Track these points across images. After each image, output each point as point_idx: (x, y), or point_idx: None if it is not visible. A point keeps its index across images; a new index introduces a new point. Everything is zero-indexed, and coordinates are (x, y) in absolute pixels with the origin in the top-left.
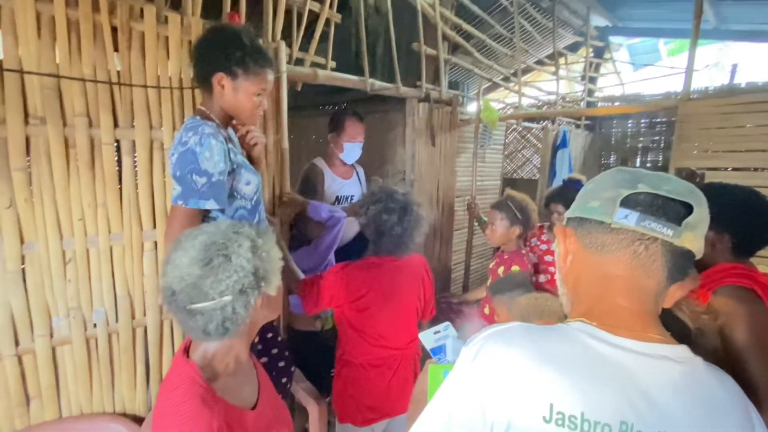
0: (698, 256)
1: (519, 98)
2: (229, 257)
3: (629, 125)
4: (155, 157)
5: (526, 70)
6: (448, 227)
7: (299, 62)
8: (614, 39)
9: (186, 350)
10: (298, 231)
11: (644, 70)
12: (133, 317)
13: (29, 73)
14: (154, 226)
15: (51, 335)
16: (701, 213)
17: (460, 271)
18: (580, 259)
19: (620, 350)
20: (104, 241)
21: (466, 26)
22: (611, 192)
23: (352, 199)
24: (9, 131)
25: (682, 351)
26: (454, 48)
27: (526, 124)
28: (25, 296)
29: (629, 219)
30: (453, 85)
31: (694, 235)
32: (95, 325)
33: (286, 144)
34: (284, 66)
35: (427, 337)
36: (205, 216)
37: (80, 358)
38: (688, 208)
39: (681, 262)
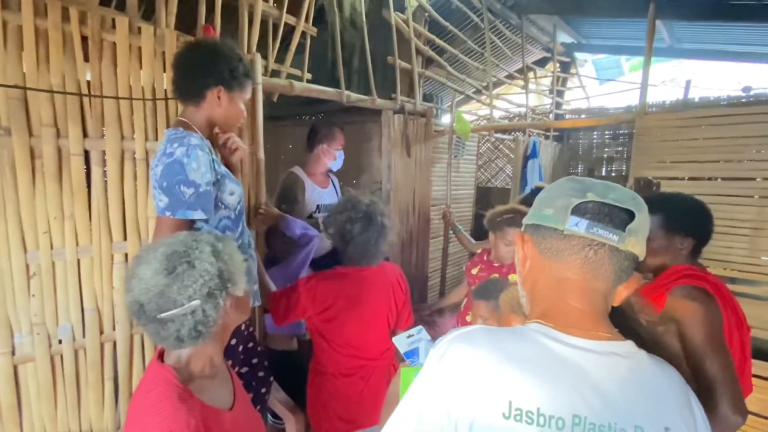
0: (641, 258)
1: (491, 110)
2: (193, 263)
3: (595, 136)
4: (126, 167)
5: (497, 84)
6: (424, 236)
7: (275, 74)
8: (580, 55)
9: (160, 357)
10: (269, 249)
11: (608, 85)
12: (101, 332)
13: None
14: (125, 238)
15: (13, 353)
16: (642, 219)
17: (437, 278)
18: (537, 263)
19: (573, 348)
20: (71, 254)
21: (438, 41)
22: (563, 200)
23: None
24: None
25: (628, 346)
26: (428, 62)
27: (498, 135)
28: None
29: (579, 226)
30: (427, 97)
31: (636, 240)
32: (60, 341)
33: (261, 154)
34: (260, 77)
35: (401, 341)
36: (189, 227)
37: (44, 376)
38: (631, 215)
39: (626, 265)
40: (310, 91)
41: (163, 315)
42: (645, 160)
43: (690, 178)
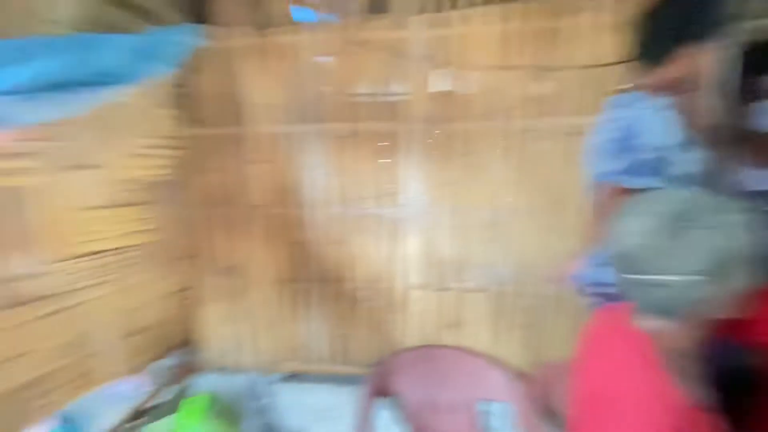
0: None
1: None
2: (710, 232)
3: None
4: (563, 141)
5: None
6: None
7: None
8: None
9: (634, 321)
10: None
11: None
12: (531, 285)
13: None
14: (556, 206)
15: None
16: None
17: None
18: None
19: None
20: (519, 214)
21: None
22: None
23: None
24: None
25: None
26: None
27: None
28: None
29: None
30: None
31: None
32: (501, 283)
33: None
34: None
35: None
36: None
37: (486, 306)
38: None
39: None
40: None
41: (652, 278)
42: None
43: None
